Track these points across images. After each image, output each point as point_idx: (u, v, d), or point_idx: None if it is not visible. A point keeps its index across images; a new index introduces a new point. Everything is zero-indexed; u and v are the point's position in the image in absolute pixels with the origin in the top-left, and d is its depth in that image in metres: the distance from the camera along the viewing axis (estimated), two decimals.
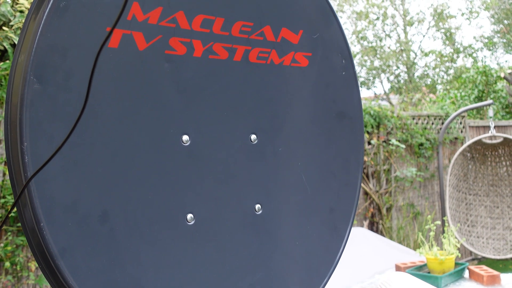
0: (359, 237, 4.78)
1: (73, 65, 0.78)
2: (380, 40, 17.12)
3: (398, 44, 17.13)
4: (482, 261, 6.98)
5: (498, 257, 5.93)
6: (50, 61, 0.75)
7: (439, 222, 3.40)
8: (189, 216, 0.92)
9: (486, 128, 8.33)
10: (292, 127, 1.10)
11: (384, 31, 17.20)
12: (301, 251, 1.07)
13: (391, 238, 6.06)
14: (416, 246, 6.09)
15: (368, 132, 6.17)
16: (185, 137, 0.93)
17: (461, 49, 16.99)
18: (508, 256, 5.88)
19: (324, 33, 1.13)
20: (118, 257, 0.83)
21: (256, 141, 1.03)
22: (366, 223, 6.05)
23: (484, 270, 3.06)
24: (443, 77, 17.16)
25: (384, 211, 6.07)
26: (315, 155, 1.13)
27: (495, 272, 2.97)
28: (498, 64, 15.39)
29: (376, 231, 6.08)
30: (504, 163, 6.83)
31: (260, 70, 1.04)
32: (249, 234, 1.01)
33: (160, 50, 0.89)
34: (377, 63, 16.64)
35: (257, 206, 1.02)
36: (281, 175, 1.07)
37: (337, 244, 1.13)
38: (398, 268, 3.79)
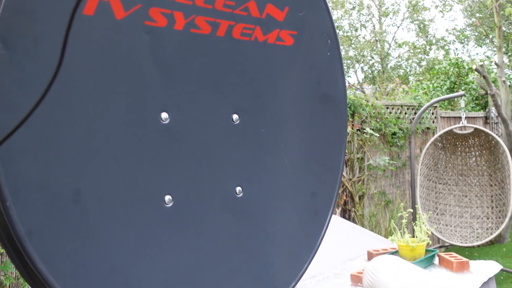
0: (332, 225, 4.82)
1: (43, 30, 0.72)
2: (356, 30, 17.20)
3: (373, 35, 17.26)
4: (449, 248, 7.17)
5: (465, 245, 6.10)
6: (17, 24, 0.69)
7: (411, 210, 3.45)
8: (167, 198, 0.88)
9: (457, 119, 8.50)
10: (275, 108, 1.06)
11: (360, 21, 17.29)
12: (282, 235, 1.04)
13: (363, 225, 6.14)
14: (387, 234, 6.19)
15: None
16: (164, 115, 0.88)
17: (434, 41, 17.26)
18: (475, 243, 6.05)
19: (310, 12, 1.09)
20: (91, 240, 0.78)
21: (238, 121, 0.99)
22: (338, 210, 6.10)
23: (453, 257, 3.12)
24: (415, 69, 17.42)
25: (356, 199, 6.14)
26: (298, 138, 1.10)
27: (464, 259, 3.03)
28: (469, 56, 15.70)
29: (349, 219, 6.14)
30: (473, 153, 6.99)
31: (244, 47, 1.00)
32: (229, 217, 0.97)
33: (139, 21, 0.83)
34: (351, 53, 16.73)
35: (238, 188, 0.99)
36: (263, 158, 1.04)
37: (318, 229, 1.11)
38: (370, 255, 3.84)
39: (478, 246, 6.44)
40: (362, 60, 16.85)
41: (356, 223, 5.95)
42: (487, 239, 6.08)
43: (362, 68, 17.29)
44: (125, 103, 0.83)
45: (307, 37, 1.09)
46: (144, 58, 0.85)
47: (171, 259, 0.86)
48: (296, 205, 1.07)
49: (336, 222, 4.69)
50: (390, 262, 0.68)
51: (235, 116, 0.99)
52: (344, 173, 6.18)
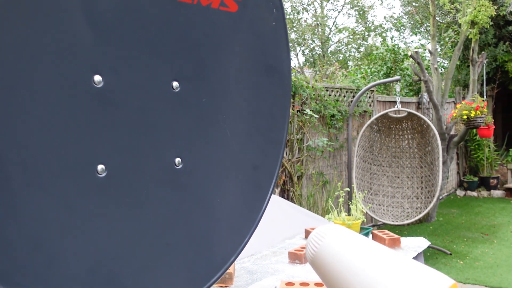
0: (271, 204, 4.86)
1: None
2: (298, 13, 17.32)
3: (314, 19, 17.45)
4: (381, 227, 7.50)
5: (396, 223, 6.39)
6: None
7: (348, 189, 3.54)
8: (100, 167, 0.82)
9: (392, 103, 8.83)
10: (218, 77, 1.02)
11: (302, 4, 17.41)
12: (222, 209, 1.01)
13: (301, 205, 6.26)
14: (324, 213, 6.36)
15: None
16: (97, 78, 0.81)
17: (372, 28, 17.74)
18: (405, 222, 6.36)
19: None
20: (13, 211, 0.71)
21: (178, 89, 0.94)
22: (277, 190, 6.18)
23: (386, 234, 3.25)
24: (354, 54, 17.86)
25: (295, 179, 6.23)
26: (241, 109, 1.06)
27: (395, 236, 3.16)
28: (405, 44, 16.29)
29: (287, 198, 6.24)
30: (406, 136, 7.30)
31: (186, 11, 0.94)
32: (168, 189, 0.92)
33: None
34: (293, 35, 16.85)
35: (177, 160, 0.94)
36: (204, 128, 1.00)
37: (260, 202, 1.08)
38: (307, 233, 3.92)
39: (408, 224, 6.78)
40: (303, 43, 17.02)
41: (294, 202, 6.06)
42: (416, 218, 6.42)
43: (303, 51, 17.49)
44: (53, 63, 0.76)
45: (252, 4, 1.05)
46: (75, 14, 0.78)
47: (103, 232, 0.81)
48: (238, 177, 1.04)
49: (275, 202, 4.75)
50: (335, 229, 0.67)
51: (175, 84, 0.94)
52: (284, 154, 6.24)
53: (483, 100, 7.93)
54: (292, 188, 6.23)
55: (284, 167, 6.17)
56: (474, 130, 10.55)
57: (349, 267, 0.59)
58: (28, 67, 0.73)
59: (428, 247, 5.23)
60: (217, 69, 1.01)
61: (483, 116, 7.65)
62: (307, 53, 17.54)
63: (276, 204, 4.62)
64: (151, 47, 0.89)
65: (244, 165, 1.06)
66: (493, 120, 9.12)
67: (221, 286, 2.77)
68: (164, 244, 0.90)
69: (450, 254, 6.65)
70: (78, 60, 0.78)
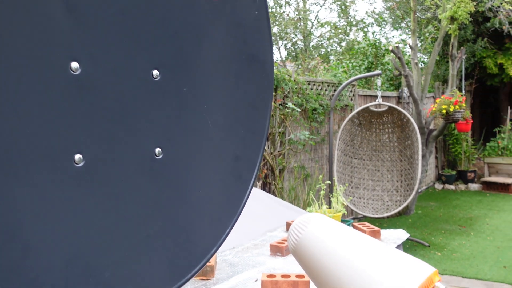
0: (252, 197, 4.86)
1: None
2: (280, 7, 17.29)
3: (296, 13, 17.45)
4: (361, 219, 7.57)
5: (376, 216, 6.46)
6: None
7: (329, 182, 3.56)
8: (77, 157, 0.79)
9: (373, 97, 8.90)
10: (199, 66, 1.00)
11: None
12: (203, 199, 1.00)
13: (282, 198, 6.28)
14: (305, 206, 6.39)
15: None
16: (75, 65, 0.79)
17: (354, 22, 17.82)
18: (385, 215, 6.43)
19: None
20: None
21: (158, 78, 0.92)
22: (259, 183, 6.18)
23: (366, 226, 3.27)
24: (336, 48, 17.93)
25: (277, 172, 6.24)
26: (222, 99, 1.05)
27: (376, 228, 3.19)
28: (386, 39, 16.43)
29: (269, 192, 6.25)
30: (386, 130, 7.38)
31: None
32: (148, 180, 0.91)
33: None
34: (276, 29, 16.82)
35: (157, 150, 0.92)
36: (185, 118, 0.98)
37: (241, 193, 1.08)
38: (289, 226, 3.93)
39: (388, 217, 6.86)
40: (285, 37, 17.01)
41: (276, 196, 6.07)
42: (396, 211, 6.50)
43: (285, 45, 17.48)
44: (28, 48, 0.73)
45: None
46: None
47: (80, 223, 0.79)
48: (219, 168, 1.03)
49: (257, 195, 4.75)
50: (317, 217, 0.66)
51: (155, 72, 0.92)
52: (266, 147, 6.24)
53: (462, 95, 8.05)
54: (273, 182, 6.24)
55: (265, 160, 6.17)
56: (453, 125, 10.72)
57: (332, 255, 0.59)
58: (3, 51, 0.70)
59: (407, 239, 5.30)
60: (198, 58, 1.00)
61: (461, 110, 7.77)
62: (289, 47, 17.54)
63: (257, 197, 4.63)
64: (130, 33, 0.87)
65: (226, 155, 1.05)
66: (471, 115, 9.27)
67: (203, 279, 2.76)
68: (143, 235, 0.88)
69: (429, 246, 6.76)
70: (55, 45, 0.76)
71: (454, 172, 11.95)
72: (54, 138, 0.76)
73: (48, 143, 0.75)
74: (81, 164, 0.80)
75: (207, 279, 2.77)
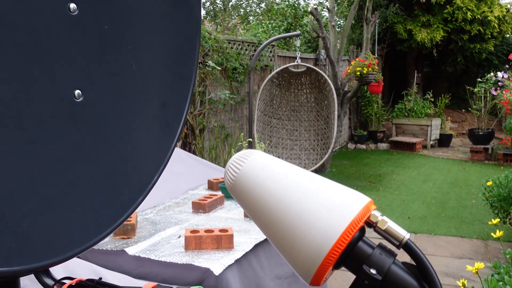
0: (173, 157, 4.80)
1: None
2: None
3: None
4: None
5: None
6: None
7: (250, 140, 3.60)
8: None
9: (292, 58, 9.03)
10: (122, 3, 0.92)
11: None
12: (128, 146, 0.94)
13: (203, 157, 6.26)
14: (226, 164, 6.44)
15: None
16: None
17: None
18: None
19: None
20: None
21: (76, 12, 0.83)
22: (179, 144, 6.09)
23: None
24: (255, 9, 17.84)
25: (197, 132, 6.19)
26: (147, 41, 0.98)
27: None
28: (304, 0, 16.60)
29: (189, 151, 6.20)
30: (305, 90, 7.55)
31: None
32: (67, 124, 0.84)
33: None
34: None
35: (77, 92, 0.85)
36: (108, 59, 0.91)
37: (169, 141, 1.04)
38: (210, 184, 3.95)
39: None
40: None
41: (196, 155, 6.04)
42: (312, 169, 6.76)
43: (203, 4, 17.06)
44: None
45: None
46: None
47: None
48: (144, 114, 0.98)
49: (177, 154, 4.69)
50: (256, 151, 0.65)
51: (72, 5, 0.83)
52: None
53: (375, 58, 8.42)
54: (194, 141, 6.19)
55: (186, 120, 6.09)
56: (365, 87, 11.24)
57: (273, 186, 0.58)
58: None
59: None
60: None
61: (374, 73, 8.14)
62: (207, 6, 17.15)
63: (178, 157, 4.57)
64: None
65: (151, 101, 1.00)
66: (382, 78, 9.76)
67: (124, 238, 2.69)
68: (65, 183, 0.82)
69: None
70: None
71: (365, 133, 12.64)
72: None
73: None
74: None
75: (128, 238, 2.71)
